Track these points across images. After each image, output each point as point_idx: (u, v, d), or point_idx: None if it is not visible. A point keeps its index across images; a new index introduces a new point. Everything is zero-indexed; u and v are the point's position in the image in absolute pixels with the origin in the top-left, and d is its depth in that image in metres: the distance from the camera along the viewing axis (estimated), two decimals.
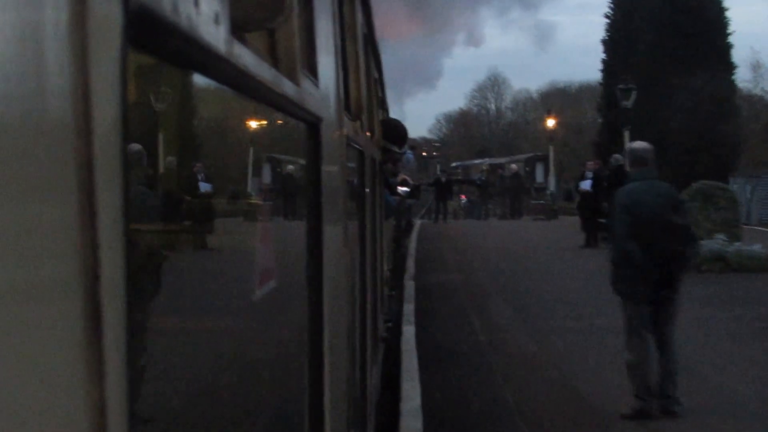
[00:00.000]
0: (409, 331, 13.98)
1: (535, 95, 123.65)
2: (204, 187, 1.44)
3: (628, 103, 35.47)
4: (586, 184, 29.05)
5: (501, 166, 59.84)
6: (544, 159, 79.55)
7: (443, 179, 50.04)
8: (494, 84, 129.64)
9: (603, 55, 55.99)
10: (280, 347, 2.57)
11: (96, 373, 0.86)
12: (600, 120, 57.94)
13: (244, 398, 1.93)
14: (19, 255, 0.78)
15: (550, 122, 61.19)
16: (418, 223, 43.31)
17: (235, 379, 1.84)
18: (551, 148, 56.92)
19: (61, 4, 0.84)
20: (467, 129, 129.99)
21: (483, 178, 57.37)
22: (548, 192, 52.65)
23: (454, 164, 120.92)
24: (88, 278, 0.85)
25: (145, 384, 1.11)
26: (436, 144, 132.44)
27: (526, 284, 21.18)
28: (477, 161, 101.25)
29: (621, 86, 35.48)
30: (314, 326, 2.87)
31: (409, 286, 19.72)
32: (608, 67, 54.31)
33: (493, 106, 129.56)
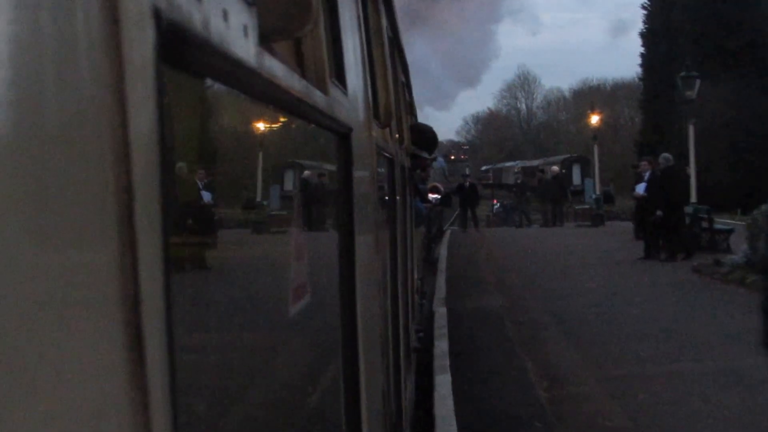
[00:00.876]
0: (443, 390, 10.40)
1: (567, 94, 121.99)
2: (205, 196, 1.43)
3: (692, 94, 30.92)
4: (641, 188, 26.46)
5: (540, 168, 54.10)
6: (581, 160, 76.41)
7: (466, 184, 45.96)
8: (524, 83, 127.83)
9: (641, 49, 54.21)
10: (314, 360, 2.57)
11: (140, 403, 0.87)
12: (641, 117, 55.30)
13: (281, 413, 1.94)
14: (57, 276, 0.79)
15: (594, 119, 53.50)
16: (447, 232, 40.22)
17: (270, 393, 1.85)
18: (595, 148, 50.95)
19: (93, 22, 0.85)
20: (497, 130, 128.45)
21: (520, 181, 52.43)
22: (593, 196, 46.76)
23: (484, 167, 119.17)
24: (128, 300, 0.86)
25: (184, 403, 1.12)
26: (465, 147, 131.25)
27: (586, 311, 16.97)
28: (508, 164, 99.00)
29: (683, 74, 31.18)
30: (348, 339, 2.87)
31: (441, 314, 15.99)
32: (647, 60, 52.53)
33: (523, 106, 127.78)
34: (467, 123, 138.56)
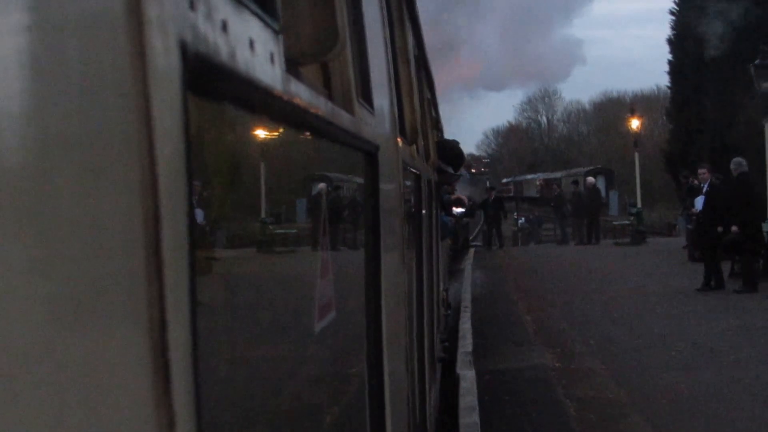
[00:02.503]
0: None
1: (588, 106, 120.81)
2: (198, 214, 1.40)
3: None
4: (699, 203, 20.58)
5: (575, 179, 46.28)
6: (605, 172, 74.51)
7: (491, 197, 40.06)
8: (545, 95, 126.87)
9: (669, 56, 49.79)
10: (341, 371, 2.57)
11: (165, 415, 0.87)
12: (669, 126, 51.57)
13: (304, 423, 1.94)
14: (85, 305, 0.79)
15: (635, 123, 44.96)
16: (471, 251, 34.47)
17: (297, 403, 1.85)
18: (636, 156, 43.60)
19: (122, 55, 0.85)
20: (517, 143, 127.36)
21: (557, 193, 44.42)
22: (633, 210, 40.24)
23: (504, 180, 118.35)
24: (154, 315, 0.86)
25: (210, 417, 1.12)
26: (485, 160, 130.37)
27: (672, 378, 11.38)
28: (530, 176, 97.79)
29: (757, 62, 25.44)
30: (374, 350, 2.87)
31: (468, 383, 10.65)
32: (675, 67, 49.34)
33: (544, 119, 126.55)
34: (487, 137, 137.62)
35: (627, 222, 42.26)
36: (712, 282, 19.35)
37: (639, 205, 40.32)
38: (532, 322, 16.80)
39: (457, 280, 23.26)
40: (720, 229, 18.98)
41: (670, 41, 50.11)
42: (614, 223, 45.52)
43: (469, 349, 12.87)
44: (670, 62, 50.97)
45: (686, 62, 46.88)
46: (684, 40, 47.58)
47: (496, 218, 38.82)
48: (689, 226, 23.03)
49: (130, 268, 0.85)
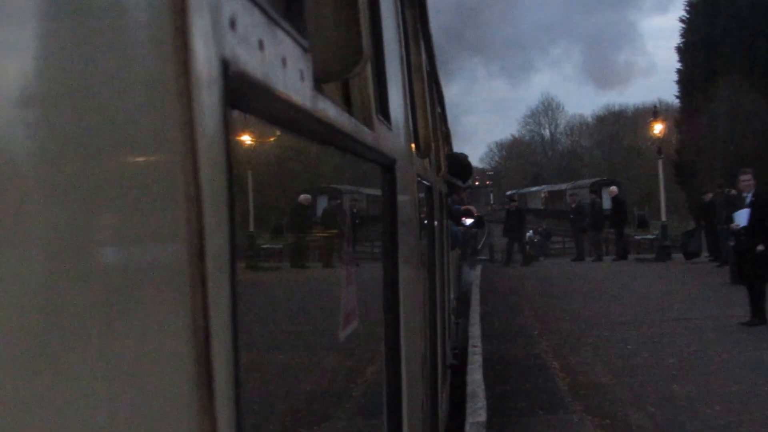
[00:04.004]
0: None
1: (590, 119, 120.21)
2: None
3: None
4: (741, 217, 16.39)
5: (594, 189, 41.91)
6: (612, 184, 74.43)
7: (513, 208, 35.16)
8: (548, 108, 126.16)
9: (678, 65, 47.66)
10: (362, 377, 2.57)
11: (208, 422, 0.87)
12: (677, 136, 48.54)
13: (329, 424, 1.94)
14: (133, 316, 0.80)
15: (657, 128, 37.18)
16: (477, 273, 28.32)
17: (320, 406, 1.85)
18: (660, 164, 36.67)
19: (168, 75, 0.86)
20: (520, 156, 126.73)
21: (576, 205, 37.21)
22: (660, 223, 34.78)
23: (509, 192, 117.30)
24: (198, 335, 0.86)
25: (248, 417, 1.12)
26: (489, 173, 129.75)
27: None
28: (534, 188, 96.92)
29: None
30: (392, 357, 2.87)
31: None
32: (685, 76, 46.89)
33: (547, 132, 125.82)
34: (491, 150, 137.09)
35: (651, 236, 37.66)
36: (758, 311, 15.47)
37: (663, 218, 35.38)
38: (561, 370, 12.35)
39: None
40: (761, 247, 15.43)
41: (679, 49, 48.26)
42: (636, 237, 40.05)
43: (482, 418, 8.87)
44: (679, 71, 48.31)
45: (696, 71, 44.94)
46: (694, 48, 45.65)
47: (518, 232, 33.74)
48: (731, 243, 19.17)
49: (176, 278, 0.86)
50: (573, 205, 37.19)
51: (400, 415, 2.94)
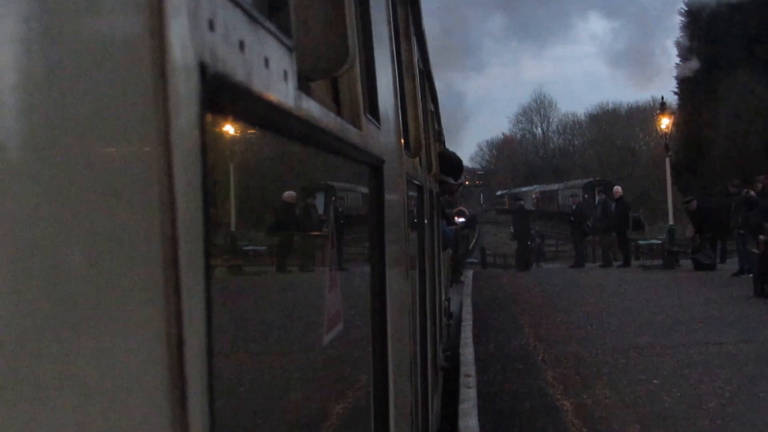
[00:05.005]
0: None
1: (583, 118, 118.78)
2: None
3: None
4: None
5: (602, 189, 39.05)
6: (604, 184, 73.64)
7: (516, 207, 33.63)
8: (540, 106, 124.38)
9: (677, 59, 46.69)
10: (346, 382, 2.56)
11: (181, 426, 0.87)
12: (676, 134, 48.65)
13: (314, 428, 1.93)
14: (105, 323, 0.79)
15: (664, 122, 33.40)
16: (468, 279, 26.79)
17: (305, 410, 1.85)
18: (667, 162, 33.65)
19: (143, 76, 0.85)
20: (511, 155, 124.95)
21: (577, 206, 34.47)
22: (667, 227, 31.42)
23: (499, 193, 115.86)
24: (171, 343, 0.86)
25: (221, 420, 1.12)
26: (479, 173, 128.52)
27: None
28: (525, 188, 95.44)
29: None
30: (379, 359, 2.86)
31: None
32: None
33: (539, 130, 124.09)
34: (481, 149, 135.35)
35: (657, 241, 34.43)
36: None
37: (671, 221, 31.82)
38: (575, 415, 10.02)
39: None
40: None
41: (678, 44, 47.07)
42: (640, 242, 36.87)
43: None
44: (678, 65, 47.33)
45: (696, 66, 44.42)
46: (695, 44, 44.40)
47: (527, 233, 31.65)
48: (755, 251, 17.79)
49: (148, 283, 0.85)
50: (573, 207, 34.66)
51: (387, 420, 2.93)
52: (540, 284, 25.36)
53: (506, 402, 10.89)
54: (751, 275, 20.94)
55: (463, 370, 11.92)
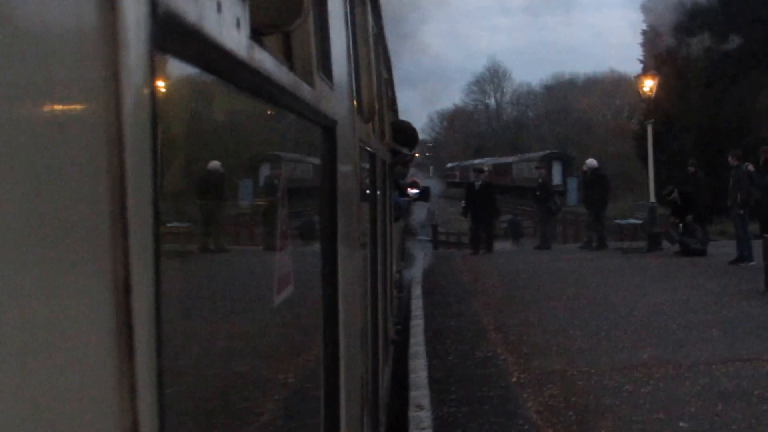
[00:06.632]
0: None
1: (538, 89, 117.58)
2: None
3: None
4: None
5: (587, 167, 36.41)
6: (563, 157, 69.31)
7: (477, 183, 28.53)
8: (494, 76, 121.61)
9: (643, 25, 45.26)
10: (296, 350, 2.57)
11: (128, 387, 0.86)
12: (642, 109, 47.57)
13: (260, 399, 1.93)
14: (50, 264, 0.78)
15: (648, 84, 29.65)
16: (417, 262, 23.32)
17: (253, 380, 1.85)
18: (649, 129, 29.05)
19: (91, 9, 0.84)
20: (463, 126, 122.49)
21: (542, 180, 30.45)
22: (649, 204, 27.79)
23: (449, 165, 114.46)
24: (118, 287, 0.85)
25: (172, 392, 1.11)
26: (429, 145, 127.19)
27: None
28: (477, 161, 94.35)
29: None
30: (330, 329, 2.87)
31: None
32: (653, 37, 44.34)
33: (492, 101, 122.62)
34: (432, 120, 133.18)
35: (637, 221, 30.77)
36: None
37: (652, 197, 28.01)
38: None
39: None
40: None
41: (645, 7, 44.88)
42: (617, 221, 32.78)
43: None
44: (644, 32, 46.29)
45: (665, 31, 43.41)
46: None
47: (488, 212, 27.65)
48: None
49: (96, 229, 0.84)
50: (540, 180, 30.70)
51: (338, 388, 2.94)
52: (504, 270, 22.01)
53: None
54: (751, 264, 19.60)
55: (412, 399, 9.25)
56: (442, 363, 11.10)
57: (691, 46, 39.15)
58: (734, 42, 37.72)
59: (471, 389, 9.85)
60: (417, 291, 17.27)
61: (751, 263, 19.92)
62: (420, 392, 9.36)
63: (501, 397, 9.42)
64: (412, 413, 8.69)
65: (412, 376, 10.01)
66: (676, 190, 24.65)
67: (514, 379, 10.35)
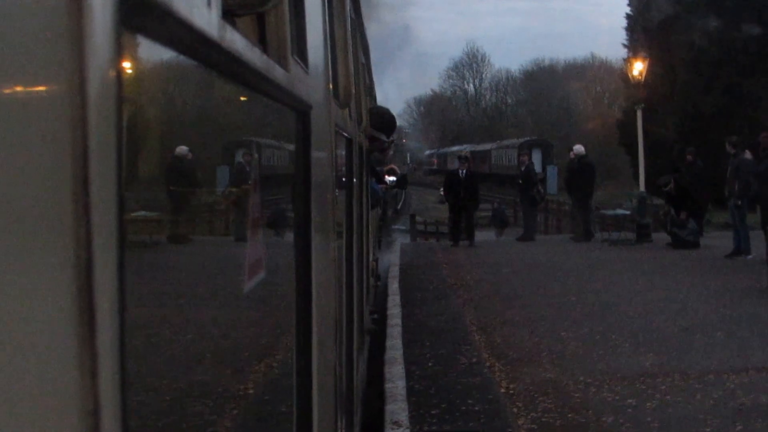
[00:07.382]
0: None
1: (517, 74, 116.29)
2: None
3: None
4: None
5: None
6: (543, 144, 68.82)
7: (462, 171, 27.05)
8: (473, 61, 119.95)
9: (627, 9, 45.06)
10: (268, 338, 2.56)
11: (89, 369, 0.85)
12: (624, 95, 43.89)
13: (232, 389, 1.93)
14: (11, 249, 0.77)
15: (638, 67, 28.23)
16: (395, 255, 22.86)
17: (222, 371, 1.84)
18: (639, 114, 27.57)
19: None
20: (441, 112, 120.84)
21: (524, 168, 28.88)
22: (636, 194, 27.31)
23: (428, 152, 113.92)
24: (81, 272, 0.84)
25: (135, 378, 1.11)
26: (406, 131, 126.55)
27: None
28: (455, 148, 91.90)
29: None
30: (302, 318, 2.86)
31: None
32: (635, 24, 44.08)
33: (471, 87, 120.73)
34: (409, 106, 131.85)
35: (625, 212, 29.07)
36: None
37: (642, 187, 27.16)
38: None
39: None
40: None
41: None
42: (603, 212, 31.26)
43: None
44: (629, 15, 46.07)
45: (649, 15, 41.56)
46: None
47: (469, 202, 26.33)
48: None
49: (57, 211, 0.83)
50: (522, 168, 29.26)
51: (311, 377, 2.94)
52: (488, 265, 20.71)
53: None
54: (749, 257, 19.05)
55: (388, 410, 8.55)
56: (422, 371, 10.32)
57: (693, 31, 38.31)
58: (753, 29, 36.65)
59: (454, 402, 9.07)
60: (394, 286, 16.16)
61: (749, 256, 19.30)
62: (397, 405, 8.72)
63: (488, 413, 8.69)
64: (389, 430, 8.20)
65: (388, 385, 9.38)
66: (673, 180, 23.75)
67: (503, 390, 9.54)
